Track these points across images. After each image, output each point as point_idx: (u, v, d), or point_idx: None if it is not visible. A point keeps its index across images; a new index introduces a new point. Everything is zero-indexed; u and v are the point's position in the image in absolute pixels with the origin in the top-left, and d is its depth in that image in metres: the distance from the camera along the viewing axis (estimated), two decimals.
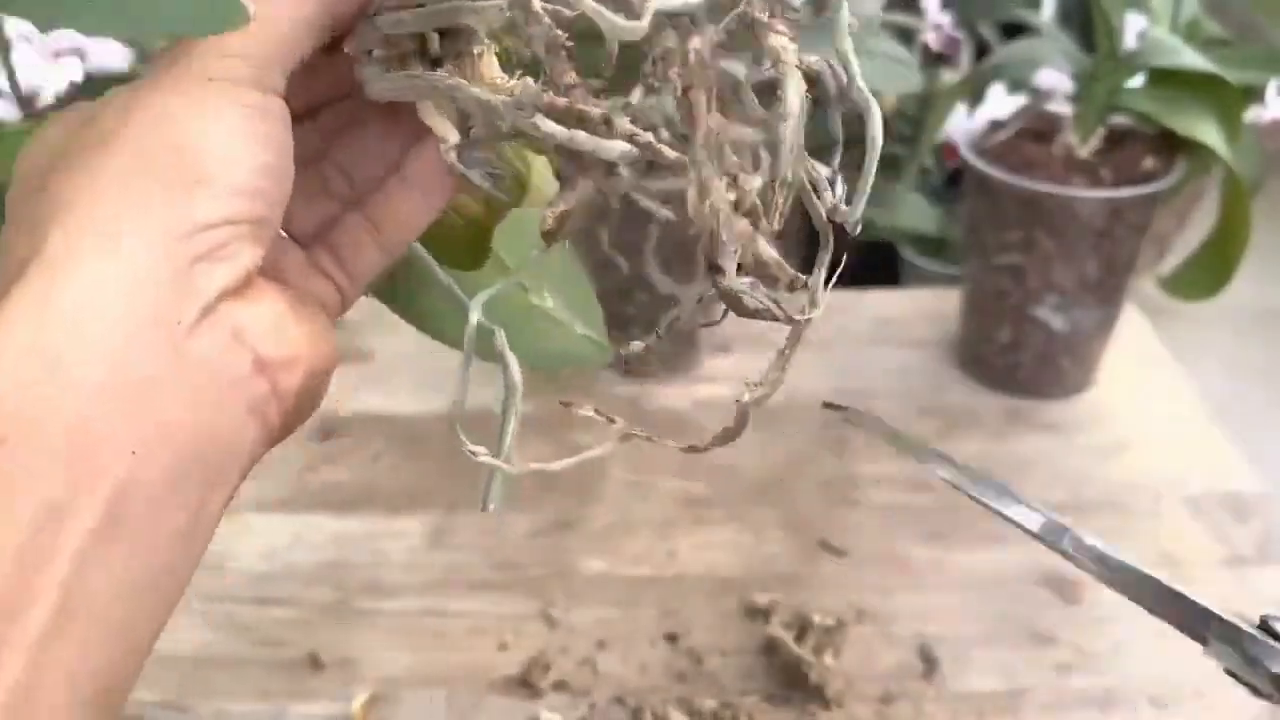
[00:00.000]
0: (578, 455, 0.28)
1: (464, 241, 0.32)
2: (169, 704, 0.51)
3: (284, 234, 0.29)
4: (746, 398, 0.26)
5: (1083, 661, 0.54)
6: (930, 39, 0.97)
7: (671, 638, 0.55)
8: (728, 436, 0.27)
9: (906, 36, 0.96)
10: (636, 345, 0.29)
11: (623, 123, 0.24)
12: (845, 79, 0.24)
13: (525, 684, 0.52)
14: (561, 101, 0.24)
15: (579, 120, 0.24)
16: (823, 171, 0.26)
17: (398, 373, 0.74)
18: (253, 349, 0.25)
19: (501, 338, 0.30)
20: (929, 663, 0.53)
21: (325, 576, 0.59)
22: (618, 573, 0.59)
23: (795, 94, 0.23)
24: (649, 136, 0.24)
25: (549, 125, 0.24)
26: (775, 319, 0.25)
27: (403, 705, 0.52)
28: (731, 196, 0.23)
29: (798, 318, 0.26)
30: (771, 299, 0.25)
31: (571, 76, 0.25)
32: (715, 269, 0.23)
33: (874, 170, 0.25)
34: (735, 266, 0.24)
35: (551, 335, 0.35)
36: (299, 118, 0.28)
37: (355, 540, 0.61)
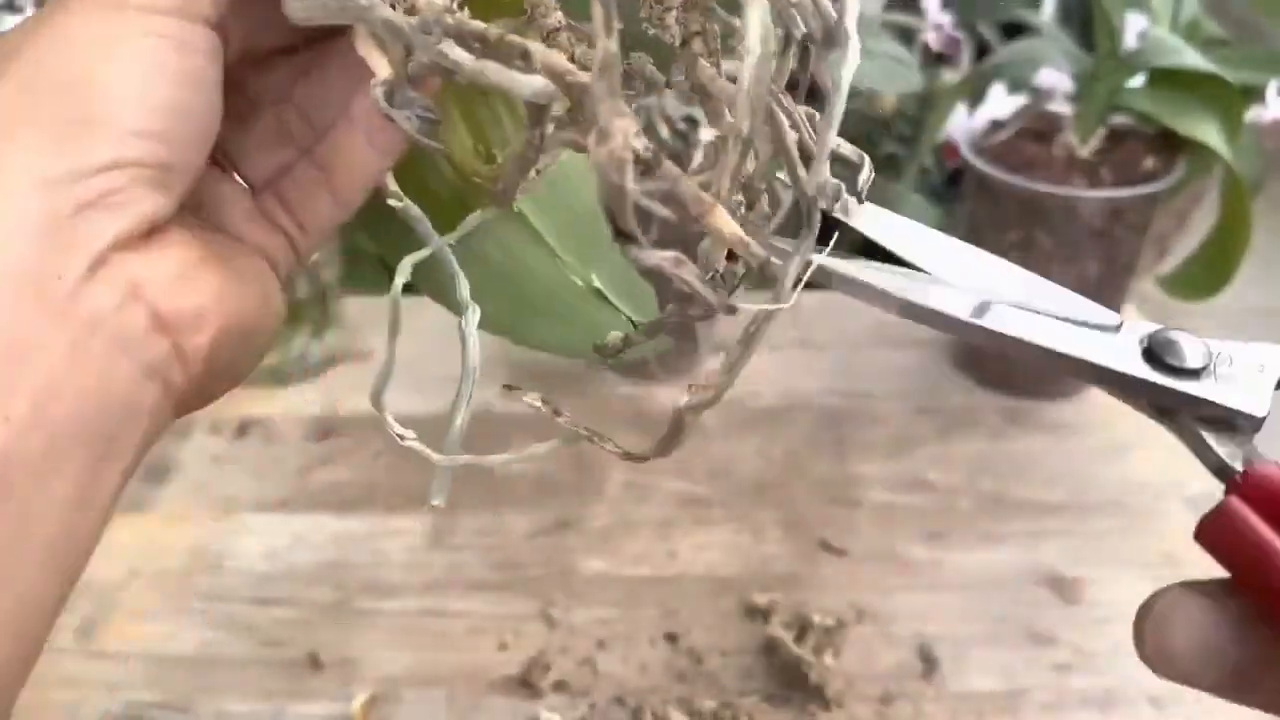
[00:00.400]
0: (524, 452, 0.27)
1: (439, 205, 0.28)
2: (168, 704, 0.51)
3: (238, 178, 0.27)
4: (684, 402, 0.23)
5: (1082, 662, 0.54)
6: (930, 39, 0.97)
7: (671, 638, 0.55)
8: (664, 447, 0.24)
9: (906, 36, 0.96)
10: (615, 335, 0.27)
11: (550, 56, 0.20)
12: (830, 12, 0.20)
13: (525, 684, 0.52)
14: (474, 26, 0.21)
15: (495, 49, 0.21)
16: (811, 137, 0.22)
17: (397, 372, 0.74)
18: (150, 305, 0.23)
19: (472, 318, 0.27)
20: (929, 663, 0.53)
21: (325, 576, 0.59)
22: (618, 573, 0.59)
23: (758, 23, 0.18)
24: (570, 67, 0.19)
25: (457, 53, 0.21)
26: (703, 311, 0.21)
27: (403, 705, 0.52)
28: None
29: (744, 307, 0.21)
30: (703, 280, 0.20)
31: (558, 17, 0.22)
32: (620, 234, 0.18)
33: (837, 122, 0.21)
34: (651, 236, 0.19)
35: (595, 319, 0.31)
36: (265, 57, 0.26)
37: (355, 540, 0.61)
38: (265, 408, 0.71)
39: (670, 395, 0.73)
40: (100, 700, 0.52)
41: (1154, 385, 0.24)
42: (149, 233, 0.23)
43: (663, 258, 0.19)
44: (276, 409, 0.71)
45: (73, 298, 0.21)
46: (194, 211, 0.26)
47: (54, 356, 0.21)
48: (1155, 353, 0.24)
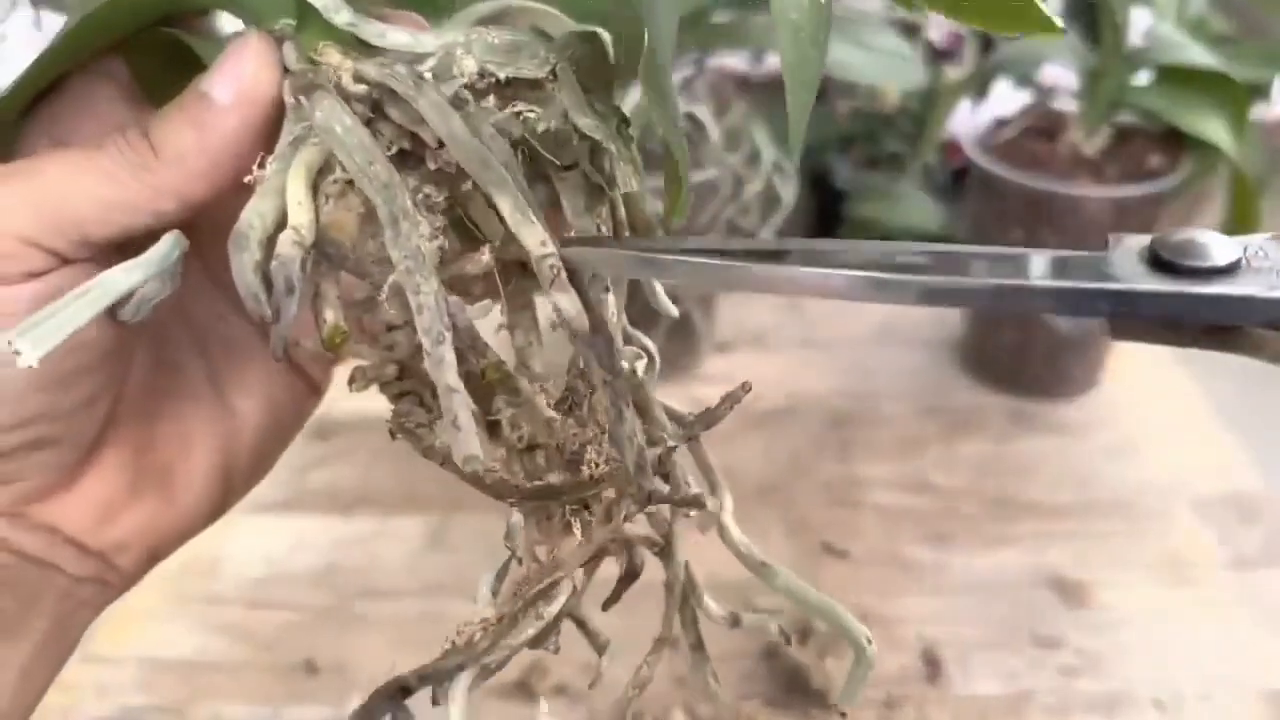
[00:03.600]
0: None
1: None
2: (163, 708, 0.51)
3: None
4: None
5: (1087, 665, 0.53)
6: (934, 35, 0.96)
7: (672, 643, 0.54)
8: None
9: (910, 32, 0.95)
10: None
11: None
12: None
13: (524, 688, 0.52)
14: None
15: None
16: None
17: None
18: (73, 540, 0.25)
19: None
20: (933, 666, 0.53)
21: (322, 579, 0.59)
22: (617, 575, 0.58)
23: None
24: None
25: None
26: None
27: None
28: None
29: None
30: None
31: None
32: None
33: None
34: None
35: None
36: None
37: (352, 543, 0.61)
38: None
39: (670, 394, 0.72)
40: (93, 704, 0.51)
41: (1189, 296, 0.18)
42: (70, 477, 0.25)
43: None
44: None
45: None
46: (149, 398, 0.27)
47: None
48: (1164, 258, 0.19)
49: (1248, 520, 0.62)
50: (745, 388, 0.26)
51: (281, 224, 0.22)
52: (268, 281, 0.21)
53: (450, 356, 0.21)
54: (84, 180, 0.22)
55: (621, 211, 0.25)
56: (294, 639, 0.55)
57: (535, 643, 0.26)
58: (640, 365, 0.28)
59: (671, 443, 0.26)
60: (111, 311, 0.22)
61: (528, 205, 0.22)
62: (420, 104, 0.22)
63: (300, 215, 0.21)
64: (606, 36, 0.24)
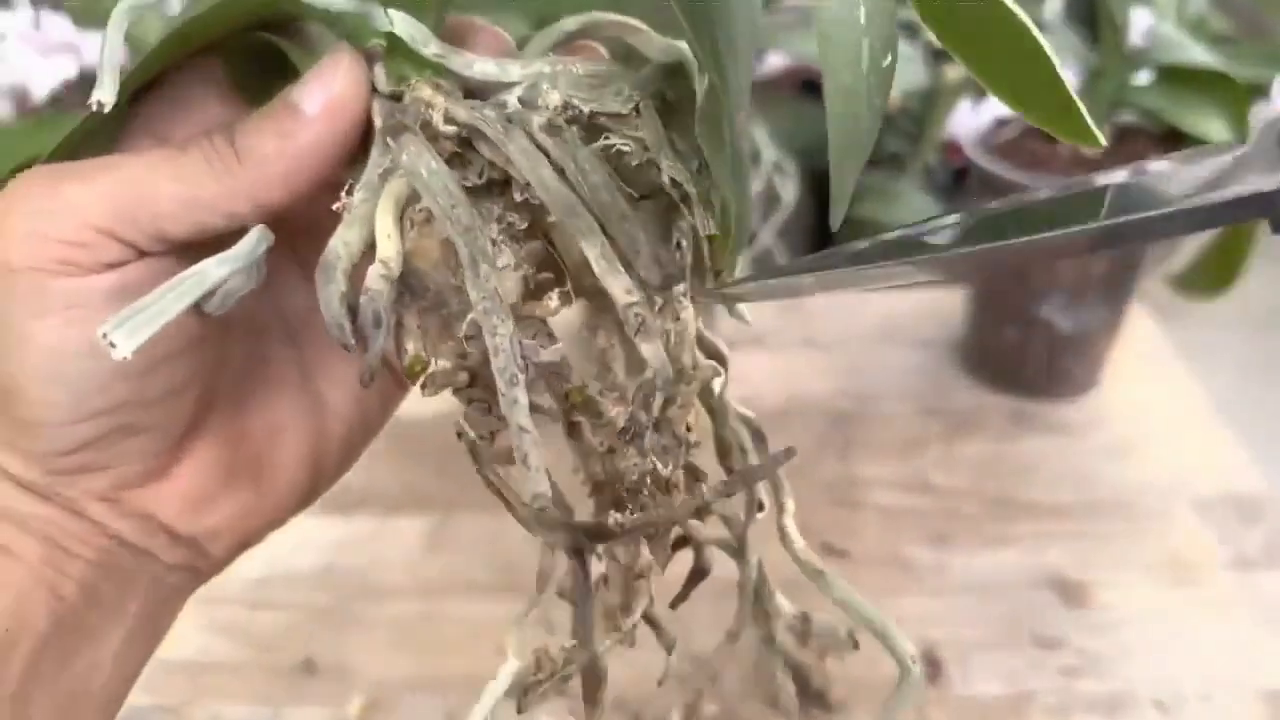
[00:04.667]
0: None
1: None
2: (163, 708, 0.51)
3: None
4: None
5: (1088, 665, 0.53)
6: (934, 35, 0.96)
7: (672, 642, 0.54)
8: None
9: (910, 31, 0.95)
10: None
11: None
12: None
13: (524, 689, 0.52)
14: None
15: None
16: None
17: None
18: (166, 529, 0.25)
19: None
20: (933, 667, 0.53)
21: (321, 580, 0.58)
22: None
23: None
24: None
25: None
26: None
27: (400, 710, 0.51)
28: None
29: None
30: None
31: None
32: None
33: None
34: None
35: None
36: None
37: (352, 543, 0.61)
38: None
39: None
40: None
41: None
42: (164, 465, 0.25)
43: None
44: None
45: (93, 533, 0.24)
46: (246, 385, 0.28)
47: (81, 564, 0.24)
48: None
49: (1248, 520, 0.62)
50: (789, 454, 0.26)
51: (366, 253, 0.22)
52: (351, 311, 0.22)
53: (523, 399, 0.22)
54: (164, 177, 0.22)
55: (703, 248, 0.25)
56: (294, 639, 0.55)
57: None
58: (718, 383, 0.29)
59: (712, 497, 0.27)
60: (197, 304, 0.23)
61: (614, 255, 0.22)
62: (510, 150, 0.22)
63: (388, 249, 0.22)
64: (694, 68, 0.23)
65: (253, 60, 0.25)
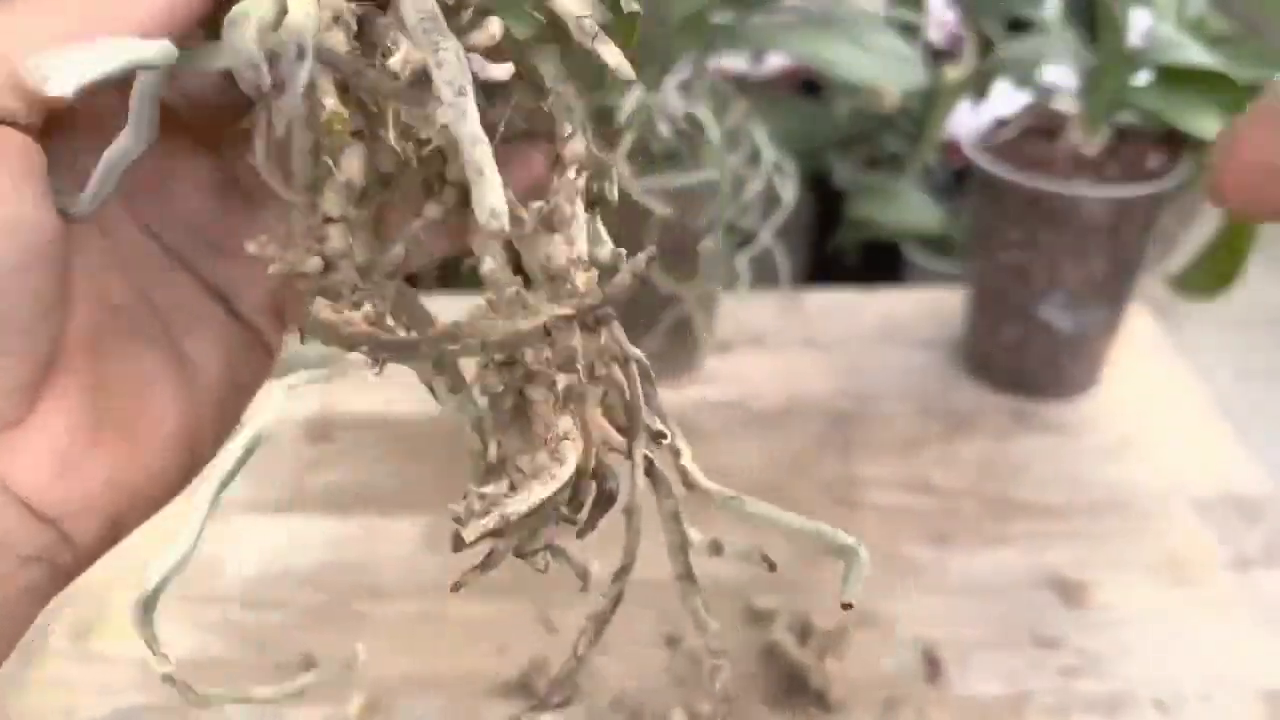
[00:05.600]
0: None
1: None
2: (161, 708, 0.51)
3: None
4: None
5: (1087, 665, 0.53)
6: (934, 35, 0.96)
7: (672, 641, 0.54)
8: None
9: (910, 32, 0.95)
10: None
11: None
12: None
13: (524, 688, 0.52)
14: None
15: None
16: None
17: (394, 374, 0.73)
18: (22, 499, 0.21)
19: None
20: (932, 666, 0.53)
21: (320, 579, 0.58)
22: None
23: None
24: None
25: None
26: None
27: (399, 710, 0.51)
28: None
29: None
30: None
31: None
32: None
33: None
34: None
35: None
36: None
37: (351, 543, 0.61)
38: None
39: (670, 394, 0.72)
40: (93, 703, 0.51)
41: None
42: (24, 406, 0.21)
43: None
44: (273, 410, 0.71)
45: None
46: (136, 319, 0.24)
47: None
48: None
49: (1248, 520, 0.62)
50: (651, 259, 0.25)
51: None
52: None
53: (473, 109, 0.20)
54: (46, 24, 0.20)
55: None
56: (293, 639, 0.55)
57: (534, 524, 0.25)
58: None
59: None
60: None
61: None
62: None
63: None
64: None
65: None
